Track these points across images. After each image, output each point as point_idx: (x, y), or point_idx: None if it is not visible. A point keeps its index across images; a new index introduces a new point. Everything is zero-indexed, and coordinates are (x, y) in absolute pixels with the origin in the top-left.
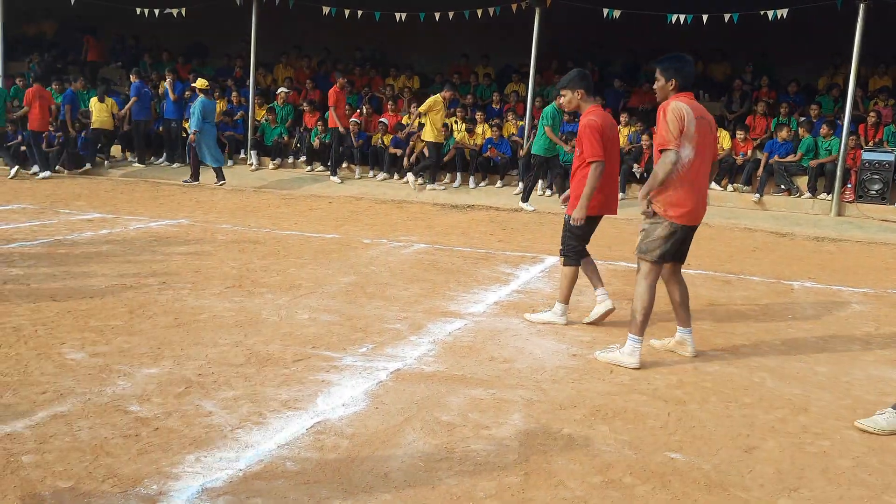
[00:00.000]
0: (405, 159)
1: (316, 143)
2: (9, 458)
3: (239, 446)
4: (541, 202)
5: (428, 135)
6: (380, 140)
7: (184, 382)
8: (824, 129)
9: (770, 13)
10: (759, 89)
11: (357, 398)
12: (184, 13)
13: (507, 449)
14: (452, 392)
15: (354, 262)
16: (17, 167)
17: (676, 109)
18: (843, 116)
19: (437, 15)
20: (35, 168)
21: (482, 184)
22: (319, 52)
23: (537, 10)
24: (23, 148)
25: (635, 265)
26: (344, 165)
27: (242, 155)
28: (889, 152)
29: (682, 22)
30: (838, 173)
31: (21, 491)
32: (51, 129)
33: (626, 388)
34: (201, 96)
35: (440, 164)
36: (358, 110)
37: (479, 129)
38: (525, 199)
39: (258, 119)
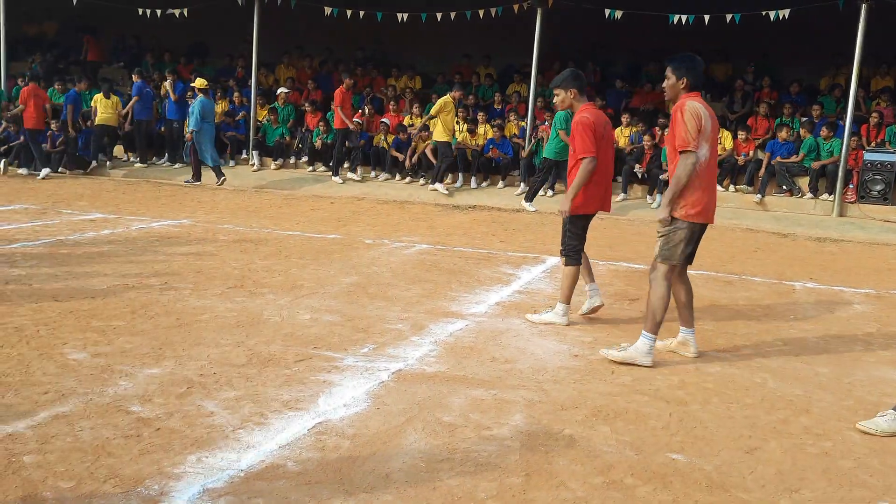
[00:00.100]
0: (407, 160)
1: (318, 143)
2: (10, 458)
3: (240, 447)
4: (542, 203)
5: (440, 136)
6: (382, 140)
7: (185, 383)
8: (824, 131)
9: (772, 13)
10: (760, 90)
11: (358, 399)
12: (185, 13)
13: (509, 449)
14: (454, 392)
15: (356, 262)
16: (3, 160)
17: (693, 109)
18: (846, 117)
19: (439, 15)
20: (34, 168)
21: (484, 184)
22: (321, 53)
23: (539, 11)
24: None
25: (637, 266)
26: (345, 166)
27: (244, 155)
28: (891, 153)
29: (683, 22)
30: (840, 174)
31: (22, 491)
32: (53, 128)
33: (628, 389)
34: (200, 96)
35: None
36: (360, 111)
37: (480, 130)
38: (529, 199)
39: (260, 119)
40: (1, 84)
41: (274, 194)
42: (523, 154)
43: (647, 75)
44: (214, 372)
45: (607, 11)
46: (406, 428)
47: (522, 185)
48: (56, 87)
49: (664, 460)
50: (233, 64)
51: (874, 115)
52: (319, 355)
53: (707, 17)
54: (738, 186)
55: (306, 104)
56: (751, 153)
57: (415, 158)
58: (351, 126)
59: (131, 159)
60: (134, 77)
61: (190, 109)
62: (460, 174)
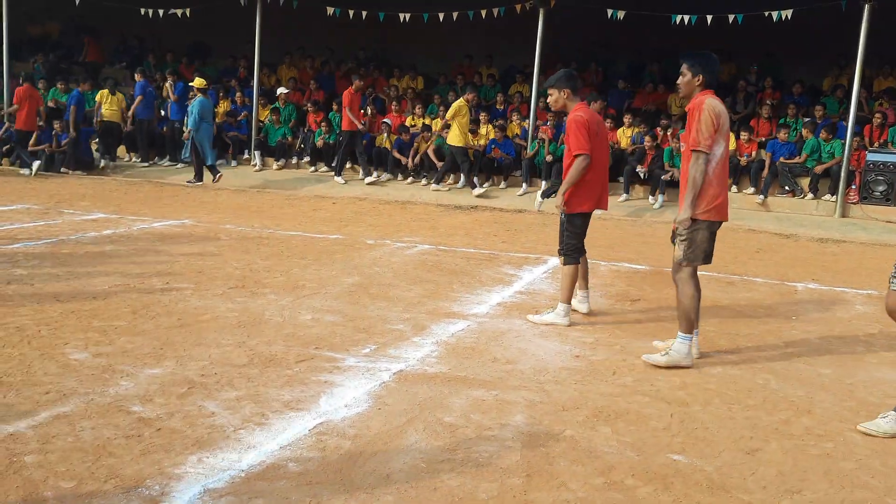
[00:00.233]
0: (409, 161)
1: (320, 143)
2: (11, 457)
3: (241, 447)
4: (545, 203)
5: (456, 140)
6: (384, 141)
7: (186, 383)
8: (823, 133)
9: (774, 14)
10: (763, 90)
11: (360, 399)
12: (188, 13)
13: (510, 450)
14: (455, 393)
15: (358, 262)
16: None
17: (712, 108)
18: (848, 118)
19: (441, 15)
20: (35, 163)
21: (486, 184)
22: (323, 53)
23: (541, 11)
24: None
25: (639, 266)
26: (348, 166)
27: (246, 155)
28: (894, 153)
29: (686, 22)
30: (842, 174)
31: (23, 491)
32: (57, 128)
33: (629, 390)
34: (199, 95)
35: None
36: (362, 111)
37: (482, 130)
38: (546, 195)
39: (262, 119)
40: (4, 84)
41: (276, 194)
42: (525, 155)
43: (649, 76)
44: (215, 372)
45: (609, 11)
46: (407, 428)
47: (524, 185)
48: (58, 86)
49: (665, 461)
50: (235, 64)
51: (877, 115)
52: (321, 356)
53: (709, 18)
54: (744, 191)
55: (308, 104)
56: (753, 154)
57: (417, 159)
58: (360, 127)
59: (133, 160)
60: (136, 76)
61: (189, 109)
62: (462, 174)
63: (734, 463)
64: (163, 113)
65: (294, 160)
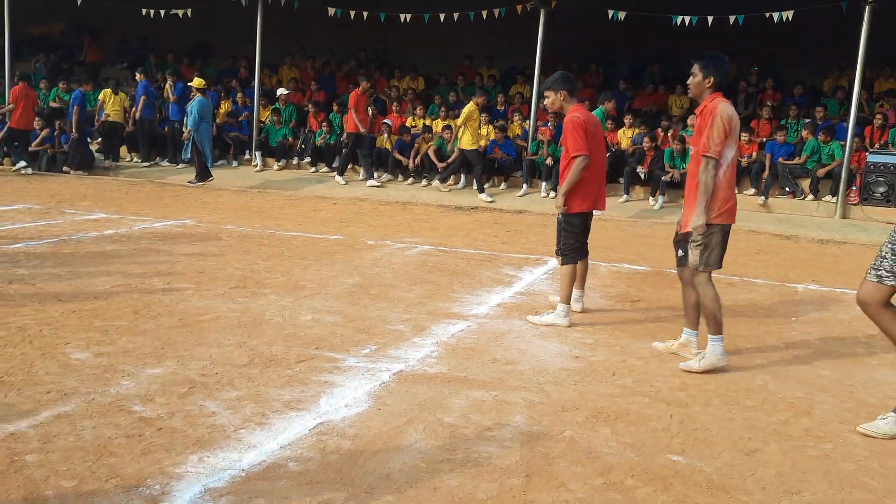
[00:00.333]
0: (410, 162)
1: (320, 142)
2: (13, 457)
3: (242, 447)
4: (543, 204)
5: (469, 143)
6: (385, 141)
7: (187, 383)
8: (822, 136)
9: (775, 15)
10: (763, 91)
11: (360, 399)
12: (189, 14)
13: (509, 451)
14: (455, 394)
15: (358, 263)
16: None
17: (724, 114)
18: (849, 119)
19: (442, 16)
20: (21, 164)
21: (486, 185)
22: (324, 53)
23: (542, 12)
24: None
25: (639, 267)
26: (349, 167)
27: (247, 156)
28: (894, 154)
29: (686, 23)
30: (843, 176)
31: (24, 490)
32: (64, 128)
33: (629, 391)
34: (198, 95)
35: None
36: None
37: (483, 131)
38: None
39: (263, 120)
40: (6, 84)
41: (276, 195)
42: (526, 155)
43: (649, 76)
44: (216, 372)
45: (610, 12)
46: (407, 429)
47: (525, 186)
48: (60, 86)
49: (665, 462)
50: (236, 64)
51: (878, 116)
52: (321, 356)
53: (710, 19)
54: (745, 192)
55: (309, 105)
56: (754, 155)
57: (418, 160)
58: (362, 130)
59: (135, 160)
60: (137, 76)
61: (188, 109)
62: (462, 175)
63: (733, 464)
64: (162, 113)
65: (295, 161)
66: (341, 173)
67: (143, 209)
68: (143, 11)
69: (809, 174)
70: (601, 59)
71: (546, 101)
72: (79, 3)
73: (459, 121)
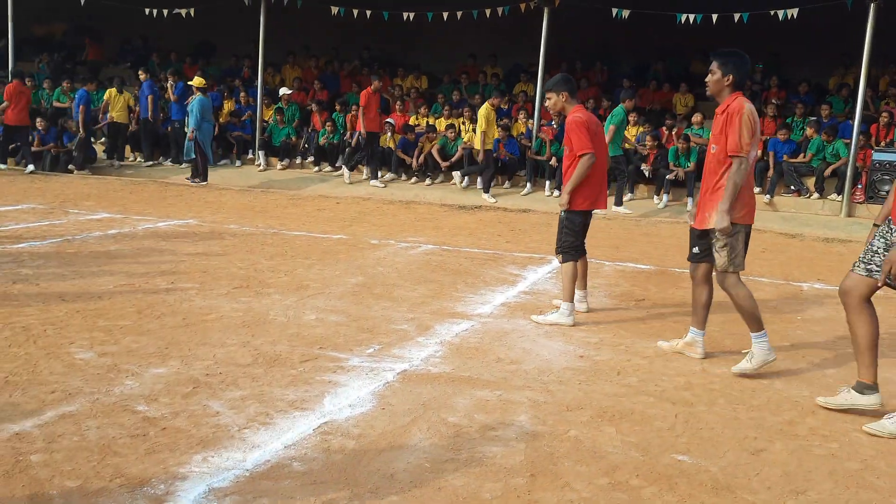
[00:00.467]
0: (414, 161)
1: (323, 141)
2: (17, 456)
3: (246, 446)
4: (547, 203)
5: (487, 143)
6: (388, 140)
7: (191, 382)
8: (824, 136)
9: (780, 13)
10: (768, 89)
11: (364, 399)
12: (192, 13)
13: (514, 450)
14: (459, 393)
15: (362, 262)
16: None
17: (750, 114)
18: (854, 117)
19: (446, 15)
20: (30, 168)
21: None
22: (327, 52)
23: (546, 10)
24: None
25: (643, 266)
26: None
27: (250, 155)
28: None
29: (691, 22)
30: (848, 174)
31: (29, 490)
32: (69, 128)
33: (634, 390)
34: (199, 94)
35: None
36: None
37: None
38: (619, 202)
39: (266, 119)
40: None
41: (280, 194)
42: (529, 154)
43: (654, 75)
44: (220, 372)
45: (614, 11)
46: (411, 428)
47: (528, 185)
48: (64, 85)
49: (670, 461)
50: (239, 64)
51: (884, 114)
52: (325, 355)
53: (715, 17)
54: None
55: (312, 104)
56: (758, 153)
57: (421, 159)
58: (362, 132)
59: (138, 159)
60: (141, 76)
61: (189, 108)
62: (465, 176)
63: (739, 463)
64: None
65: (298, 160)
66: (351, 168)
67: (146, 209)
68: (146, 11)
69: (814, 172)
70: (605, 58)
71: (548, 103)
72: (82, 2)
73: (482, 125)
